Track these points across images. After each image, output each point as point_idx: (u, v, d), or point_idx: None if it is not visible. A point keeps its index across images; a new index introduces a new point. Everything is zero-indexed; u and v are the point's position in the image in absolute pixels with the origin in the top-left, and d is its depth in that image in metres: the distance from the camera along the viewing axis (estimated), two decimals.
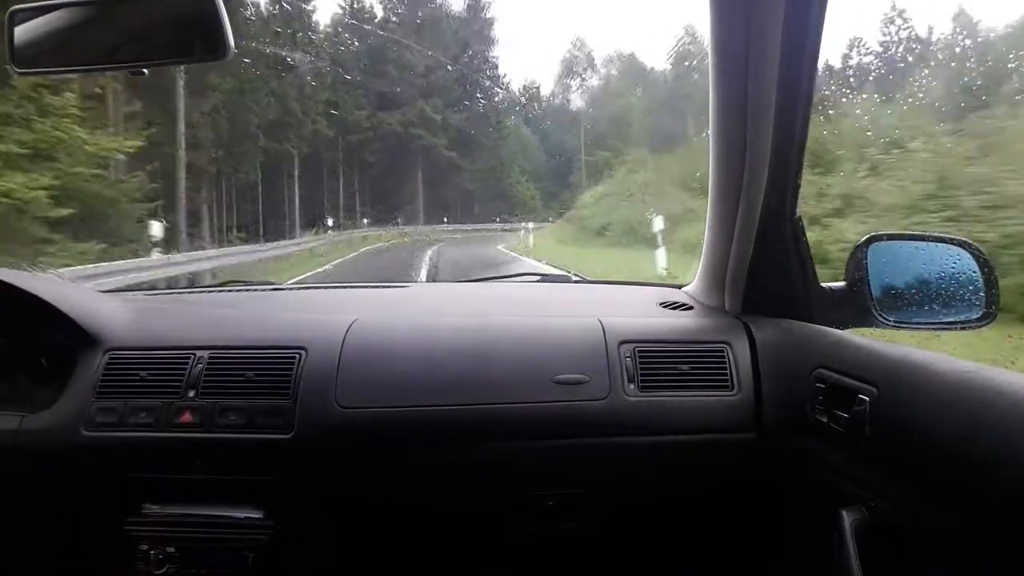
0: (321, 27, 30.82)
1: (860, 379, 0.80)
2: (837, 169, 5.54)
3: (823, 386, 0.87)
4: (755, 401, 1.02)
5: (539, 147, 40.59)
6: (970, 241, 0.97)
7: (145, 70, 0.96)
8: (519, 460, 1.02)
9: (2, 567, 1.07)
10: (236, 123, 21.56)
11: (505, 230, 28.14)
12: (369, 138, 32.25)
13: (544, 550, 1.10)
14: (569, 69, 41.66)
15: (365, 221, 27.22)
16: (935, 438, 0.68)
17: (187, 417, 0.98)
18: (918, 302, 1.00)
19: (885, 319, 1.00)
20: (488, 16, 38.76)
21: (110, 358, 1.04)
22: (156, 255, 9.09)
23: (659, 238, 7.97)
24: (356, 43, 32.45)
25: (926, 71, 9.61)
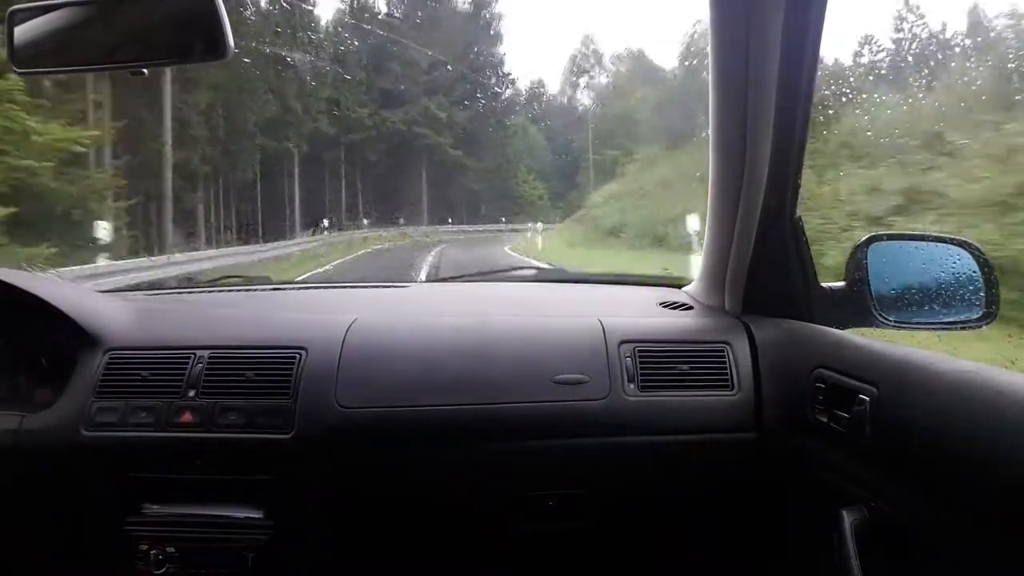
0: (323, 23, 30.13)
1: (860, 379, 0.80)
2: (879, 162, 5.18)
3: (823, 386, 0.87)
4: (755, 401, 1.02)
5: (546, 146, 39.85)
6: (970, 241, 0.97)
7: (145, 70, 0.96)
8: (519, 460, 1.02)
9: (2, 567, 1.07)
10: (233, 121, 21.05)
11: (512, 231, 27.44)
12: (372, 137, 31.57)
13: (544, 550, 1.11)
14: (577, 66, 40.82)
15: (366, 222, 26.57)
16: (935, 438, 0.68)
17: (187, 417, 0.98)
18: (918, 302, 1.00)
19: (885, 319, 1.00)
20: (494, 12, 38.05)
21: (110, 358, 1.04)
22: (103, 261, 8.38)
23: (695, 241, 7.10)
24: (358, 40, 31.86)
25: (971, 59, 9.18)
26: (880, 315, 1.01)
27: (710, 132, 1.06)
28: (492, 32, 38.30)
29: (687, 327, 1.13)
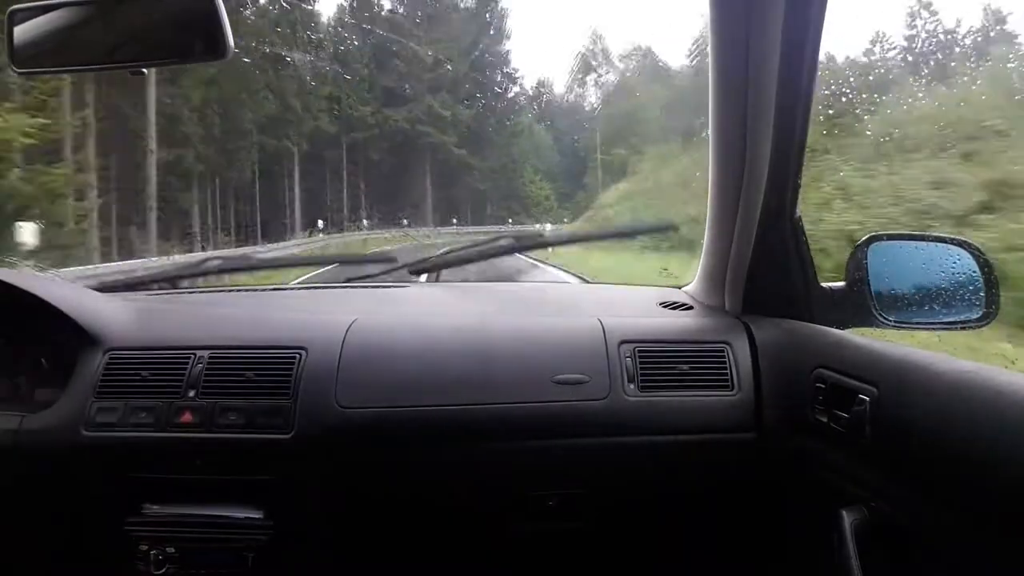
0: (323, 20, 29.51)
1: (860, 379, 0.80)
2: (933, 153, 4.74)
3: (823, 386, 0.87)
4: (755, 401, 1.02)
5: (552, 146, 39.12)
6: (970, 241, 0.97)
7: (145, 70, 0.97)
8: (519, 460, 1.02)
9: (2, 567, 1.07)
10: (229, 118, 20.42)
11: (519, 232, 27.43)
12: (374, 136, 30.85)
13: (544, 550, 1.10)
14: (584, 64, 39.66)
15: (365, 223, 25.86)
16: (935, 438, 0.68)
17: (187, 417, 0.98)
18: (918, 302, 1.00)
19: (885, 319, 1.00)
20: (499, 8, 36.94)
21: (110, 358, 1.04)
22: (26, 267, 8.00)
23: None
24: (360, 37, 31.19)
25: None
26: (880, 315, 1.01)
27: (710, 132, 1.07)
28: (497, 29, 37.45)
29: (687, 327, 1.13)
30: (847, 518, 0.75)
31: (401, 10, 34.64)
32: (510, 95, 38.72)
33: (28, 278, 1.09)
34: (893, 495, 0.74)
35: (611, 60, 38.43)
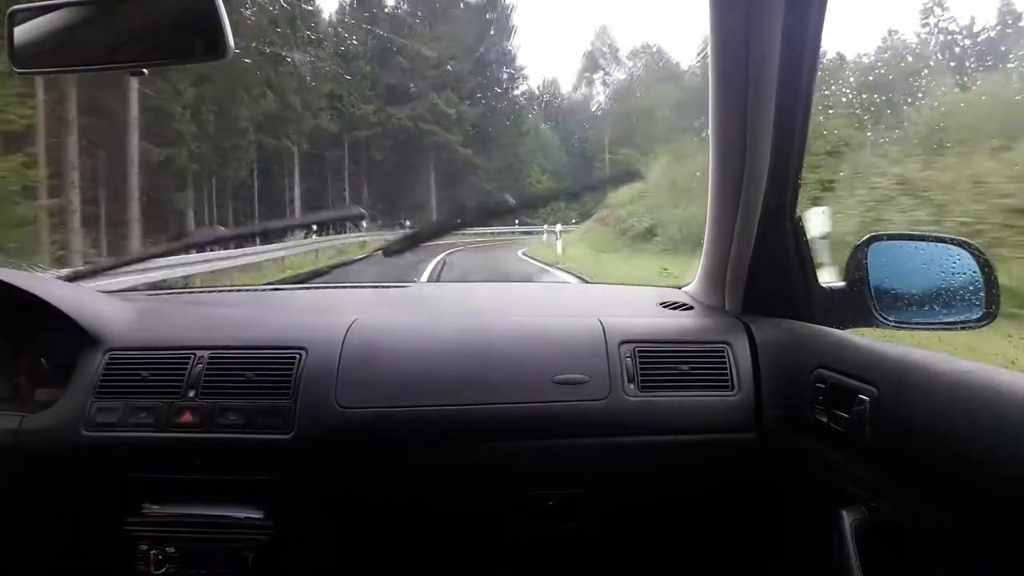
0: (324, 15, 28.81)
1: (860, 379, 0.80)
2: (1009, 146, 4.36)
3: (823, 386, 0.87)
4: (755, 401, 1.02)
5: (559, 145, 38.40)
6: (970, 241, 0.97)
7: (145, 70, 0.97)
8: (519, 460, 1.02)
9: (2, 567, 1.07)
10: (225, 116, 19.71)
11: (525, 233, 25.66)
12: (377, 134, 29.99)
13: (544, 550, 1.10)
14: (592, 62, 38.97)
15: (364, 224, 25.45)
16: (935, 438, 0.68)
17: (187, 417, 0.98)
18: (918, 302, 1.00)
19: (885, 319, 1.00)
20: (505, 2, 35.91)
21: (110, 358, 1.04)
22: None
23: (824, 251, 4.62)
24: (362, 33, 30.23)
25: None
26: (880, 315, 1.01)
27: (710, 132, 1.06)
28: (503, 25, 36.51)
29: (687, 327, 1.13)
30: (847, 518, 0.75)
31: (404, 6, 33.86)
32: (516, 93, 37.97)
33: (28, 278, 1.09)
34: (893, 495, 0.74)
35: (619, 58, 37.71)
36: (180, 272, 9.12)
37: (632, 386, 1.02)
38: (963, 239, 0.98)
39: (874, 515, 0.75)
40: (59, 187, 12.23)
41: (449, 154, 31.66)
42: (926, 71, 7.46)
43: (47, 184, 11.71)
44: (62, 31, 0.93)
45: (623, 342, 1.06)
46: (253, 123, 21.76)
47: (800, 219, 1.04)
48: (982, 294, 0.94)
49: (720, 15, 0.96)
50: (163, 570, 0.99)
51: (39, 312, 1.04)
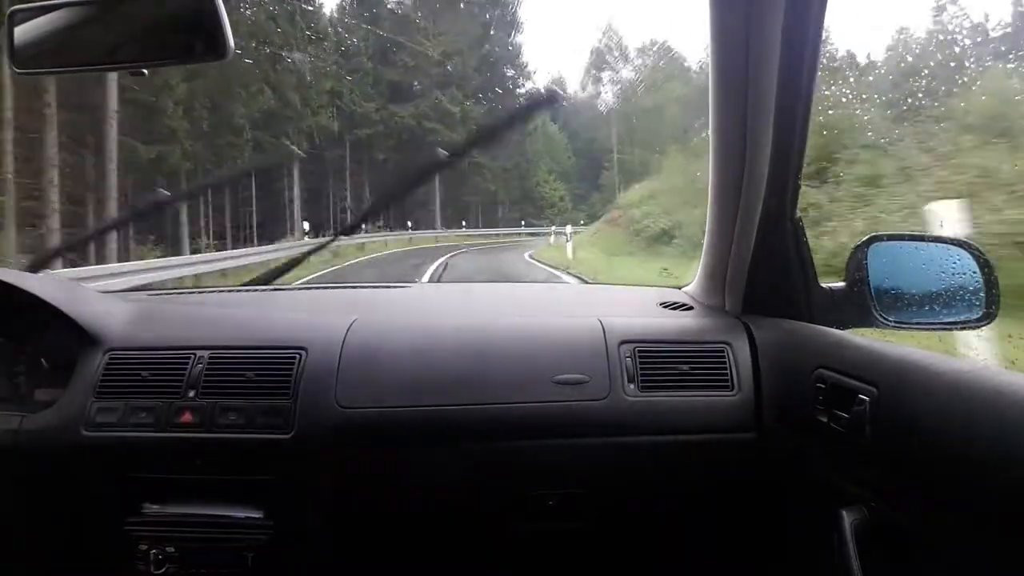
0: (325, 11, 28.15)
1: (860, 379, 0.80)
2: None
3: (823, 386, 0.87)
4: (755, 401, 1.02)
5: (567, 145, 37.67)
6: (970, 241, 0.97)
7: (145, 70, 0.97)
8: (519, 460, 1.02)
9: (2, 567, 1.07)
10: (220, 113, 19.05)
11: (531, 235, 25.18)
12: (379, 133, 29.52)
13: (544, 550, 1.10)
14: (599, 60, 38.21)
15: (363, 225, 24.61)
16: (935, 438, 0.68)
17: (187, 417, 0.98)
18: (918, 302, 1.00)
19: (885, 319, 1.00)
20: None
21: (110, 358, 1.04)
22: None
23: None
24: (364, 28, 29.49)
25: None
26: (880, 315, 1.00)
27: (710, 132, 1.06)
28: (508, 21, 35.75)
29: (687, 327, 1.13)
30: (847, 518, 0.75)
31: (407, 1, 33.05)
32: (522, 91, 37.09)
33: (28, 278, 1.09)
34: (893, 495, 0.74)
35: (627, 56, 36.95)
36: (185, 272, 9.14)
37: (632, 386, 1.02)
38: (963, 239, 0.98)
39: (874, 515, 0.75)
40: (36, 186, 11.72)
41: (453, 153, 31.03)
42: (971, 61, 7.16)
43: (21, 184, 11.22)
44: (62, 31, 0.93)
45: (623, 342, 1.06)
46: (250, 121, 21.14)
47: (800, 219, 1.04)
48: (982, 294, 0.94)
49: (720, 15, 0.96)
50: (163, 570, 0.99)
51: (39, 312, 1.05)
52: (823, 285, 1.06)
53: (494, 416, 1.00)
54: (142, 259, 10.73)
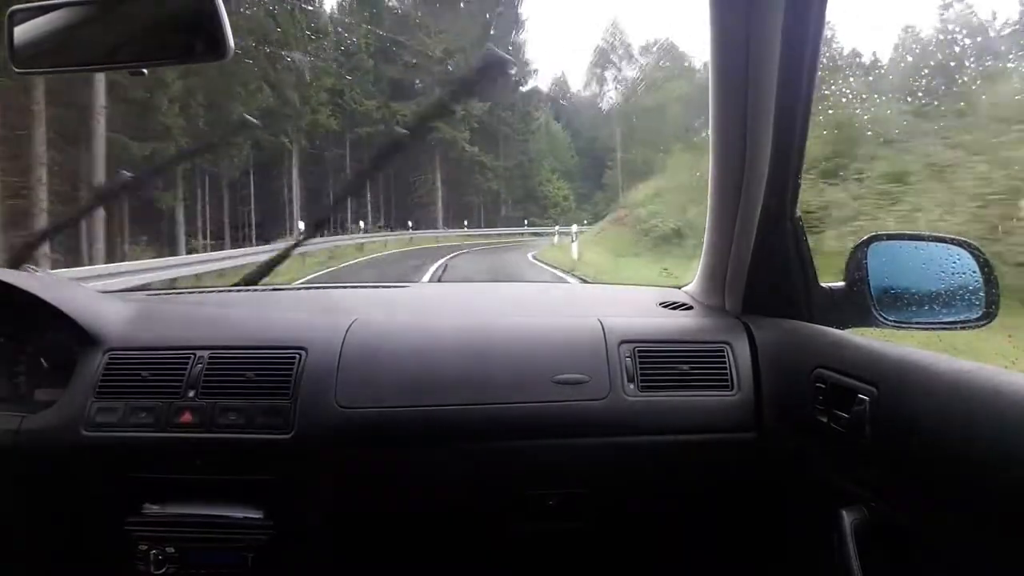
0: (325, 7, 27.70)
1: (860, 379, 0.80)
2: None
3: (823, 386, 0.87)
4: (755, 401, 1.02)
5: (570, 144, 37.28)
6: (970, 241, 0.97)
7: (145, 70, 0.97)
8: (519, 460, 1.02)
9: (2, 567, 1.07)
10: (217, 110, 18.41)
11: (535, 235, 24.76)
12: (380, 131, 28.30)
13: (544, 550, 1.10)
14: (603, 58, 37.64)
15: (361, 224, 22.73)
16: (935, 438, 0.68)
17: (187, 417, 0.98)
18: (918, 302, 1.00)
19: (885, 319, 1.00)
20: None
21: (110, 358, 1.04)
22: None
23: None
24: (364, 25, 28.97)
25: None
26: (880, 315, 1.01)
27: (710, 132, 1.07)
28: (511, 18, 35.17)
29: (687, 327, 1.13)
30: (847, 518, 0.75)
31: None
32: (525, 89, 36.53)
33: (28, 278, 1.09)
34: (893, 495, 0.74)
35: (631, 54, 36.43)
36: (183, 272, 9.12)
37: (632, 386, 1.02)
38: (963, 239, 0.98)
39: (874, 515, 0.75)
40: (24, 185, 11.37)
41: (455, 152, 30.55)
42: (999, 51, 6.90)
43: (8, 182, 10.90)
44: (62, 31, 0.93)
45: (623, 342, 1.06)
46: (248, 117, 20.90)
47: (800, 219, 1.04)
48: (982, 294, 0.94)
49: (720, 15, 0.96)
50: (163, 570, 0.99)
51: (39, 312, 1.05)
52: (823, 285, 1.06)
53: (494, 416, 1.00)
54: (135, 260, 10.56)
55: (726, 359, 1.04)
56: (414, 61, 30.22)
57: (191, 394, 1.00)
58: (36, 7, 0.93)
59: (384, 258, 16.11)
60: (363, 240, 18.53)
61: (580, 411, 1.00)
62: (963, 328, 0.97)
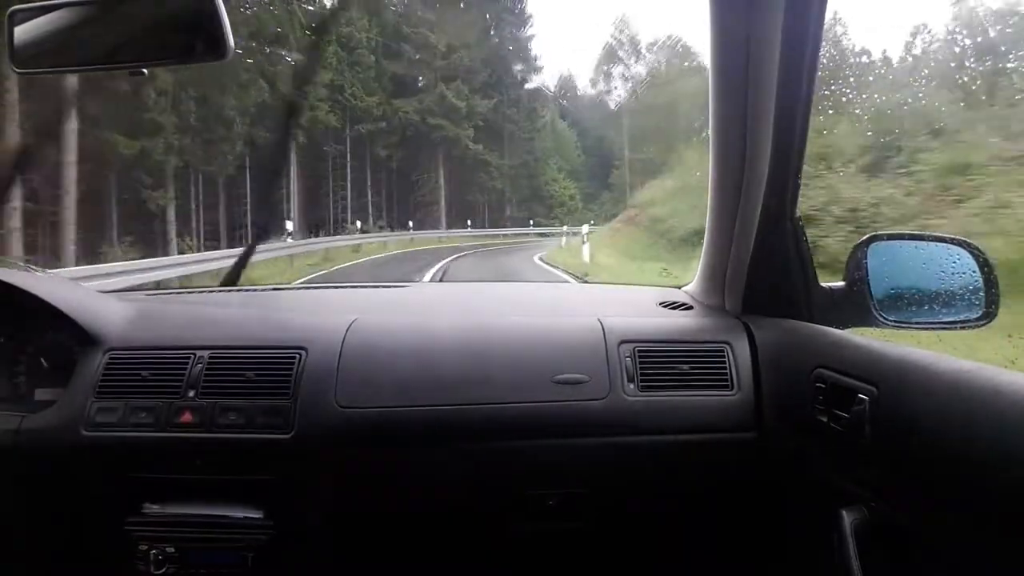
0: (327, 3, 27.54)
1: (860, 379, 0.80)
2: None
3: (823, 386, 0.87)
4: (755, 401, 1.02)
5: (576, 143, 36.62)
6: (970, 241, 0.97)
7: (145, 70, 0.97)
8: (519, 460, 1.02)
9: (2, 567, 1.07)
10: (209, 105, 17.89)
11: (540, 235, 24.15)
12: (381, 129, 28.14)
13: (544, 550, 1.11)
14: (611, 55, 36.22)
15: (358, 224, 22.25)
16: (935, 438, 0.68)
17: (187, 417, 0.98)
18: (918, 302, 1.00)
19: (885, 319, 1.00)
20: None
21: (110, 358, 1.04)
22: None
23: None
24: (365, 19, 27.97)
25: None
26: (880, 315, 1.01)
27: (710, 132, 1.07)
28: (517, 11, 34.30)
29: (687, 327, 1.13)
30: (847, 518, 0.75)
31: None
32: (530, 86, 35.72)
33: (28, 278, 1.10)
34: (893, 495, 0.74)
35: (639, 51, 35.51)
36: (173, 273, 9.11)
37: (632, 386, 1.02)
38: (963, 239, 0.98)
39: (874, 515, 0.75)
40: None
41: (459, 150, 29.72)
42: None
43: None
44: (62, 31, 0.93)
45: (623, 342, 1.06)
46: (241, 113, 19.83)
47: (800, 219, 1.04)
48: (982, 294, 0.94)
49: (720, 15, 0.96)
50: (163, 570, 0.99)
51: (39, 312, 1.05)
52: (823, 285, 1.06)
53: (494, 416, 1.00)
54: (115, 261, 10.16)
55: (726, 359, 1.04)
56: (417, 56, 29.41)
57: (191, 394, 1.00)
58: (36, 7, 0.93)
59: (385, 259, 15.44)
60: (359, 241, 17.81)
61: (580, 411, 1.00)
62: (963, 328, 0.97)
